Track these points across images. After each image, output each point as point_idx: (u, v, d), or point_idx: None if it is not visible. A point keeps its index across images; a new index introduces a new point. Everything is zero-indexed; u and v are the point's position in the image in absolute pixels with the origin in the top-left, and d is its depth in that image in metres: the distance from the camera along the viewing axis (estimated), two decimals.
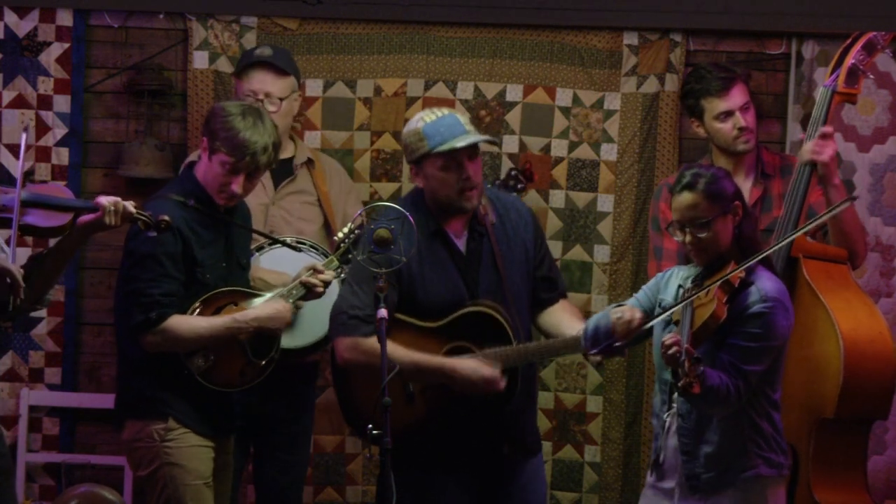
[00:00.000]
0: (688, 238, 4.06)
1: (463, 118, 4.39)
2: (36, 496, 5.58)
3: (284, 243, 4.65)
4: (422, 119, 4.37)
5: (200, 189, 4.32)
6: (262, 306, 4.35)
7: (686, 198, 4.05)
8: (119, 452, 5.46)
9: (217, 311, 4.31)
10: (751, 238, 4.12)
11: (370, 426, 3.90)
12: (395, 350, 4.28)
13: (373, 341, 4.17)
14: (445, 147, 4.31)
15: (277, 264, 4.68)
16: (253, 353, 4.35)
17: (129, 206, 4.11)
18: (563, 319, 4.50)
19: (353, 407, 4.49)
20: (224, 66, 5.50)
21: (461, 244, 4.44)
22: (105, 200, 4.10)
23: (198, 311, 4.30)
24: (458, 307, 4.39)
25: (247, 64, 4.94)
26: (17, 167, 5.47)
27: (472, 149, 4.34)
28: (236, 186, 4.29)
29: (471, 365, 4.34)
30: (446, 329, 4.39)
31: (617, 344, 4.17)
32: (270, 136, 4.29)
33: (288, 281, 4.54)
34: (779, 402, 4.12)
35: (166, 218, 4.16)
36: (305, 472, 5.15)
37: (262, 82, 4.90)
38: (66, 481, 5.50)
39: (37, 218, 4.11)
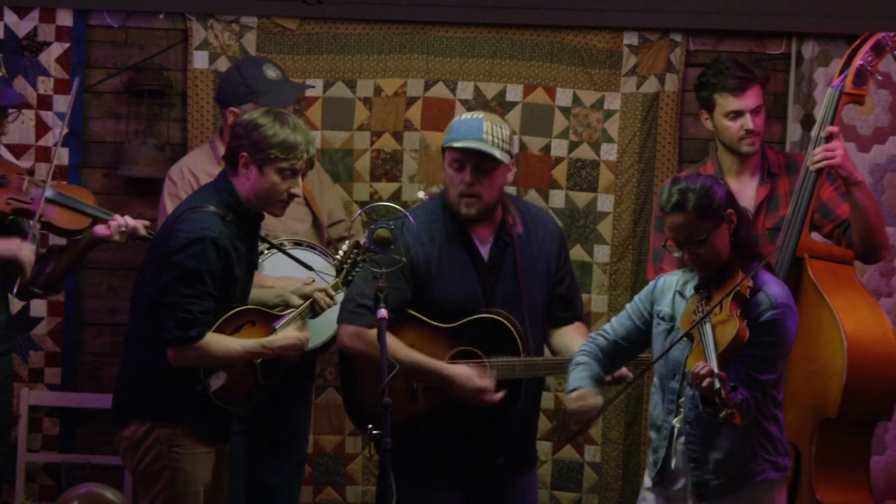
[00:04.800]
0: (687, 256, 4.04)
1: (491, 127, 4.34)
2: (36, 496, 5.58)
3: (286, 253, 4.64)
4: (462, 115, 4.43)
5: (240, 204, 4.29)
6: (287, 335, 4.34)
7: (678, 218, 3.99)
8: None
9: (237, 329, 4.30)
10: (749, 241, 4.09)
11: (370, 426, 3.90)
12: (398, 347, 4.29)
13: (376, 332, 4.17)
14: (448, 143, 4.34)
15: (278, 269, 4.67)
16: (262, 374, 4.36)
17: (141, 229, 4.64)
18: (575, 342, 4.45)
19: (354, 397, 4.50)
20: (224, 66, 5.49)
21: (485, 251, 4.43)
22: (114, 222, 4.64)
23: (219, 328, 4.28)
24: (472, 312, 4.39)
25: (291, 100, 4.91)
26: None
27: (482, 161, 4.33)
28: (297, 189, 4.30)
29: (467, 373, 4.33)
30: (457, 332, 4.39)
31: (574, 429, 4.21)
32: (308, 130, 4.32)
33: (297, 285, 4.55)
34: (781, 402, 4.11)
35: None
36: (303, 472, 5.15)
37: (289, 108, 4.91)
38: (66, 481, 5.50)
39: (57, 217, 4.65)
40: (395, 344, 4.29)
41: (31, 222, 4.59)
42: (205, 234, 4.18)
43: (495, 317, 4.38)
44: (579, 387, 4.17)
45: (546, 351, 4.59)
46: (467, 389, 4.32)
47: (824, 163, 4.63)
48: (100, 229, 4.66)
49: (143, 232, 4.64)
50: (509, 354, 4.36)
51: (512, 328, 4.37)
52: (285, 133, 4.23)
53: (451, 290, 4.39)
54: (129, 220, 4.65)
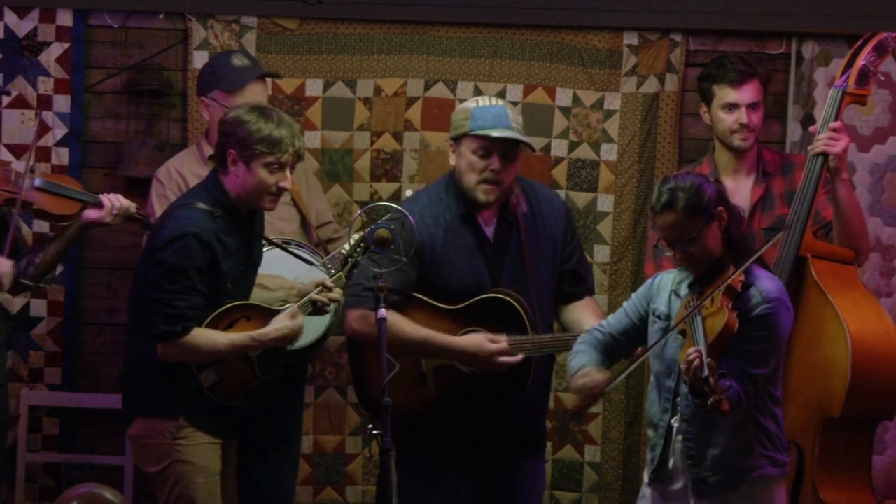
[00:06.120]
0: (678, 255, 4.05)
1: (513, 115, 4.41)
2: (36, 496, 5.58)
3: (288, 250, 4.63)
4: (476, 101, 4.45)
5: (229, 200, 4.34)
6: (279, 326, 4.35)
7: (668, 218, 4.01)
8: (119, 452, 5.46)
9: (230, 325, 4.32)
10: (740, 238, 4.09)
11: (370, 426, 3.90)
12: (405, 325, 4.33)
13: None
14: (481, 132, 4.36)
15: (270, 267, 4.66)
16: (260, 368, 4.37)
17: (132, 209, 4.70)
18: (585, 316, 4.51)
19: (362, 382, 4.51)
20: None
21: (490, 231, 4.47)
22: (107, 200, 4.67)
23: (212, 324, 4.31)
24: (479, 293, 4.41)
25: (245, 81, 4.92)
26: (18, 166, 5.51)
27: (509, 148, 4.37)
28: (286, 182, 4.33)
29: (477, 340, 4.35)
30: (464, 312, 4.41)
31: (582, 405, 4.18)
32: (294, 124, 4.35)
33: (285, 285, 4.54)
34: (780, 399, 4.12)
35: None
36: (296, 471, 5.14)
37: (256, 94, 4.91)
38: (66, 481, 5.50)
39: (47, 203, 4.71)
40: (403, 322, 4.33)
41: (13, 210, 4.64)
42: (187, 230, 4.24)
43: (502, 297, 4.40)
44: (583, 366, 4.16)
45: (557, 330, 4.61)
46: (481, 355, 4.34)
47: (825, 148, 4.63)
48: (90, 213, 4.70)
49: (134, 212, 4.70)
50: (517, 334, 4.38)
51: (519, 307, 4.40)
52: (269, 128, 4.28)
53: (458, 272, 4.42)
54: (122, 199, 4.69)
